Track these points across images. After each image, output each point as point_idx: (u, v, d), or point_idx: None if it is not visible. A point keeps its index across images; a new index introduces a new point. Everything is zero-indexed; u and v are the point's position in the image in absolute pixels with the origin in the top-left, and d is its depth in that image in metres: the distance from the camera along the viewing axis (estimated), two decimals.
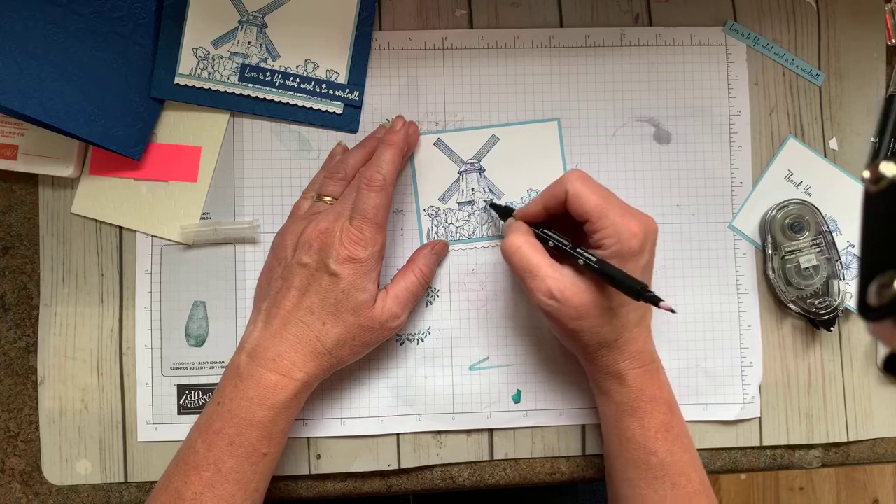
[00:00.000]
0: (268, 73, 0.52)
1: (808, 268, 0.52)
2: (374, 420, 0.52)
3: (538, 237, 0.47)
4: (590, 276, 0.44)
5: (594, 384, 0.49)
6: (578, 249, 0.44)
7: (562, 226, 0.47)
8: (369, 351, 0.49)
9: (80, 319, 0.52)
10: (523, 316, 0.53)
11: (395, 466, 0.52)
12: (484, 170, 0.54)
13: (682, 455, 0.46)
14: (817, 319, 0.52)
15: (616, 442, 0.47)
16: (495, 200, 0.53)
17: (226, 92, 0.52)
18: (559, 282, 0.44)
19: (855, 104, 0.55)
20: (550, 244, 0.46)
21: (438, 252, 0.52)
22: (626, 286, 0.42)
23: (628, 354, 0.46)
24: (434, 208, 0.53)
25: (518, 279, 0.46)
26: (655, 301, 0.41)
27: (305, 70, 0.53)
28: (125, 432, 0.52)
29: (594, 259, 0.43)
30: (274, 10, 0.52)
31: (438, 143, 0.54)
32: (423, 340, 0.53)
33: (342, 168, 0.50)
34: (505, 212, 0.51)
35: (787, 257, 0.52)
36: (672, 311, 0.40)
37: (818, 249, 0.53)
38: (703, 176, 0.54)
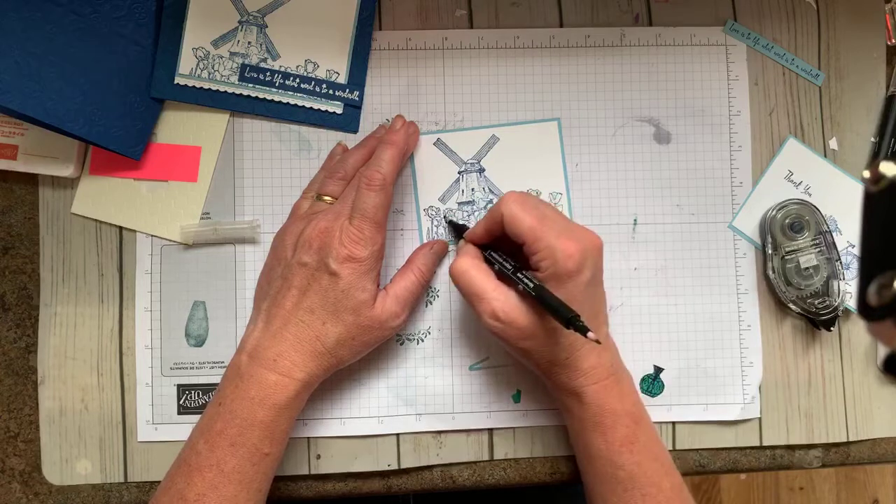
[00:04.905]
0: (268, 73, 0.52)
1: (808, 268, 0.52)
2: (373, 420, 0.52)
3: (487, 259, 0.47)
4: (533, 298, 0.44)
5: (557, 401, 0.49)
6: (518, 274, 0.44)
7: (513, 246, 0.47)
8: (369, 351, 0.49)
9: (80, 319, 0.52)
10: None
11: (395, 466, 0.52)
12: (484, 170, 0.54)
13: (650, 465, 0.46)
14: (817, 319, 0.52)
15: (584, 457, 0.47)
16: (452, 218, 0.53)
17: (226, 92, 0.52)
18: (504, 304, 0.44)
19: (855, 104, 0.55)
20: (496, 267, 0.47)
21: (438, 251, 0.52)
22: (557, 313, 0.42)
23: (582, 372, 0.45)
24: (434, 208, 0.53)
25: (466, 302, 0.46)
26: (583, 331, 0.40)
27: (305, 70, 0.53)
28: (125, 432, 0.52)
29: (531, 285, 0.43)
30: (274, 10, 0.52)
31: (438, 143, 0.54)
32: (423, 340, 0.53)
33: (342, 168, 0.50)
34: (459, 230, 0.51)
35: (787, 257, 0.52)
36: (598, 342, 0.40)
37: (818, 249, 0.53)
38: (703, 176, 0.54)
